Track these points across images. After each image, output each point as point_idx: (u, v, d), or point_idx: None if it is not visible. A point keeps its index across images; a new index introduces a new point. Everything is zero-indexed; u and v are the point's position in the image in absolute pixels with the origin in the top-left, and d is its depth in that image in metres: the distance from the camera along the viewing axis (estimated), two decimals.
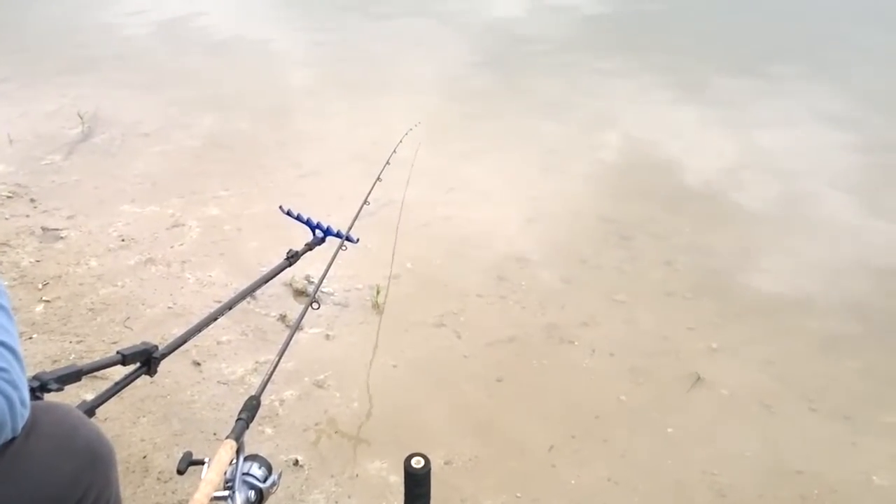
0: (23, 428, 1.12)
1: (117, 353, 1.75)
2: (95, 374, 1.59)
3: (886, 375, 2.96)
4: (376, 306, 3.23)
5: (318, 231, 2.55)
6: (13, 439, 1.12)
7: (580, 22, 8.56)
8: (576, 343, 3.07)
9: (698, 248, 3.83)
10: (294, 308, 3.17)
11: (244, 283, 2.54)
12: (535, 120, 5.57)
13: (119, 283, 3.30)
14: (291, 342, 2.96)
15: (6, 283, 3.23)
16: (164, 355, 1.88)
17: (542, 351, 3.02)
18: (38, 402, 1.30)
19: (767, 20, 8.66)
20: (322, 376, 2.78)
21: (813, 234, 4.05)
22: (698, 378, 2.87)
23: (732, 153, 5.06)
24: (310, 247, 2.51)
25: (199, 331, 2.12)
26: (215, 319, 2.19)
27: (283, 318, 3.10)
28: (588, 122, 5.53)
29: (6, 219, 3.79)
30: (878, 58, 7.28)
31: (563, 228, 4.04)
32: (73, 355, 2.77)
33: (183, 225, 3.84)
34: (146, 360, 1.80)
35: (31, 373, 1.50)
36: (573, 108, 5.81)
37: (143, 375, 1.81)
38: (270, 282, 2.37)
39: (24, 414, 1.10)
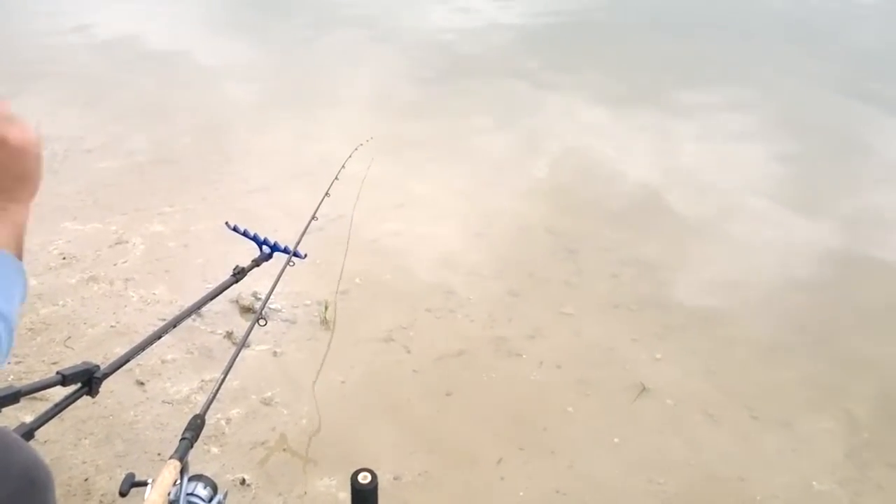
0: None
1: (57, 373, 1.71)
2: (35, 395, 1.56)
3: (822, 382, 3.06)
4: (325, 322, 3.22)
5: (264, 247, 2.53)
6: None
7: (521, 39, 8.67)
8: (524, 356, 3.10)
9: (642, 261, 3.90)
10: (241, 325, 3.14)
11: (189, 301, 2.50)
12: (481, 136, 5.61)
13: (60, 302, 3.23)
14: (238, 359, 2.94)
15: None
16: (105, 375, 1.84)
17: (490, 364, 3.04)
18: None
19: (705, 35, 8.90)
20: (269, 394, 2.76)
21: (750, 245, 4.16)
22: (643, 388, 2.92)
23: (673, 167, 5.17)
24: (256, 263, 2.49)
25: (143, 349, 2.08)
26: (159, 338, 2.15)
27: (229, 335, 3.07)
28: (534, 137, 5.60)
29: None
30: (807, 74, 7.52)
31: (511, 242, 4.08)
32: (11, 376, 2.70)
33: (126, 242, 3.77)
34: (87, 380, 1.76)
35: None
36: (518, 123, 5.88)
37: (84, 396, 1.78)
38: (216, 299, 2.34)
39: None
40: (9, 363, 2.79)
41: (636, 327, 3.35)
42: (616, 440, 2.67)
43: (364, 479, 1.54)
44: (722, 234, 4.28)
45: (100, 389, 1.77)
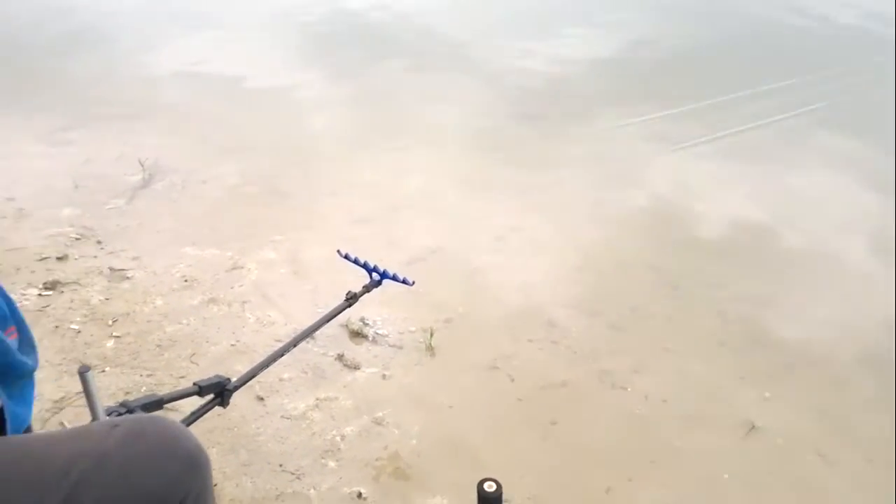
0: (133, 434, 1.24)
1: (194, 384, 1.87)
2: (169, 405, 1.71)
3: None
4: (430, 349, 3.30)
5: (374, 274, 2.64)
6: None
7: (614, 72, 8.69)
8: (628, 389, 3.11)
9: (749, 299, 3.84)
10: (351, 348, 3.26)
11: (302, 324, 2.62)
12: (579, 171, 5.64)
13: (184, 321, 3.42)
14: (350, 380, 3.06)
15: (78, 319, 3.37)
16: (236, 387, 1.99)
17: (594, 396, 3.06)
18: (145, 415, 1.46)
19: (817, 65, 8.72)
20: (380, 414, 2.85)
21: (864, 284, 4.05)
22: (752, 426, 2.88)
23: (779, 203, 5.07)
24: (367, 289, 2.61)
25: (267, 366, 2.24)
26: (282, 355, 2.30)
27: (340, 357, 3.18)
28: (632, 173, 5.59)
29: (76, 259, 3.95)
30: None
31: (612, 277, 4.08)
32: (144, 388, 2.87)
33: (242, 267, 3.96)
34: (220, 391, 1.92)
35: (111, 402, 1.62)
36: (616, 158, 5.89)
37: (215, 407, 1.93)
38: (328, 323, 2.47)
39: None
40: (140, 376, 2.98)
41: (743, 366, 3.31)
42: (726, 476, 2.64)
43: (490, 487, 1.60)
44: (833, 273, 4.17)
45: (229, 402, 1.92)
